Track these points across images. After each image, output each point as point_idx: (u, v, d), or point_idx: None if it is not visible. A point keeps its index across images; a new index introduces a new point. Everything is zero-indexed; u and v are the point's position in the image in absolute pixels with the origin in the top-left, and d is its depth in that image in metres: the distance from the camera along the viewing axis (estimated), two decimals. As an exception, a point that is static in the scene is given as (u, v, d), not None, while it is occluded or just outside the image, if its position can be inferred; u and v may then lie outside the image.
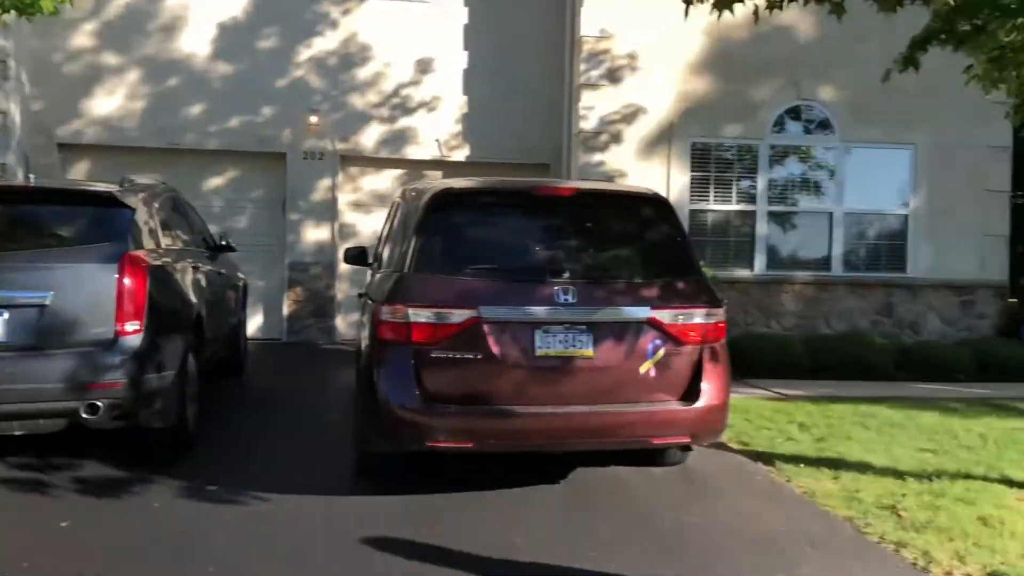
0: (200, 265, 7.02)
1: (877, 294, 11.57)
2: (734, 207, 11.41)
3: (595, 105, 11.09)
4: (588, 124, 11.10)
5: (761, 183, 11.38)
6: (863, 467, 6.09)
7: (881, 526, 4.92)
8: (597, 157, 11.10)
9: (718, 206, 11.39)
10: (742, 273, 11.38)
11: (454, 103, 11.99)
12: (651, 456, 5.89)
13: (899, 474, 5.91)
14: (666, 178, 11.17)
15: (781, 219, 11.54)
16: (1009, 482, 5.78)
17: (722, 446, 6.66)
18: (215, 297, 7.38)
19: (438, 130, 11.96)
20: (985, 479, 5.82)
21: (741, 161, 11.41)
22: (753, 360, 10.43)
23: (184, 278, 6.37)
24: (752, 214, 11.41)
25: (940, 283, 11.56)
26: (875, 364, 10.41)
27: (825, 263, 11.56)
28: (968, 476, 5.88)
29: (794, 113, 11.50)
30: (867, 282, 11.54)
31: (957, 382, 10.22)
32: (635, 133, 11.17)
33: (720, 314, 5.28)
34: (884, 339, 10.85)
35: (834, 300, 11.49)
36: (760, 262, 11.42)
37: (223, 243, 8.18)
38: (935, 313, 11.65)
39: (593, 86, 11.09)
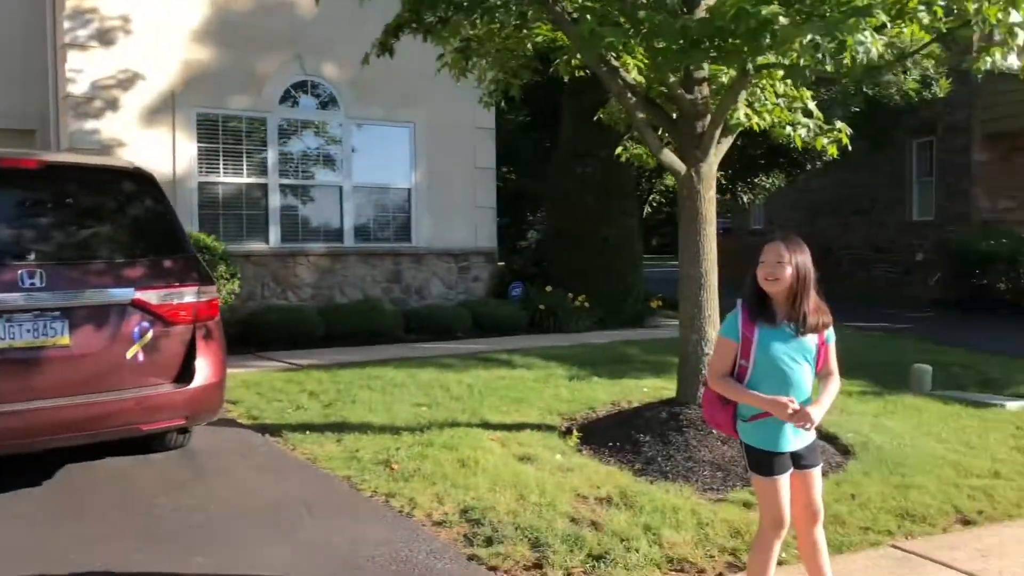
0: None
1: (387, 263, 12.30)
2: (246, 180, 11.28)
3: (84, 68, 10.15)
4: (77, 88, 10.13)
5: (272, 156, 11.40)
6: (365, 427, 6.46)
7: (375, 481, 5.27)
8: (91, 124, 10.20)
9: (229, 179, 11.17)
10: (258, 246, 11.33)
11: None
12: (149, 443, 5.63)
13: (396, 430, 6.37)
14: (172, 149, 10.66)
15: (294, 192, 11.69)
16: (487, 425, 6.55)
17: (231, 422, 6.61)
18: None
19: None
20: (468, 425, 6.52)
21: (251, 134, 11.30)
22: (270, 333, 10.50)
23: None
24: (264, 187, 11.39)
25: (441, 251, 12.64)
26: (385, 329, 11.10)
27: (338, 235, 11.97)
28: (455, 424, 6.54)
29: (301, 88, 11.67)
30: (377, 252, 12.21)
31: (457, 339, 11.30)
32: (134, 101, 10.46)
33: (212, 291, 5.21)
34: (394, 305, 11.60)
35: (347, 270, 11.98)
36: (275, 235, 11.46)
37: None
38: (438, 279, 12.72)
39: (81, 47, 10.14)
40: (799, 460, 3.45)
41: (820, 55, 4.31)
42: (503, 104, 7.73)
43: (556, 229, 13.04)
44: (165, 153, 10.58)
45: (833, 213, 23.94)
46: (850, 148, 7.41)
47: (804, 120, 7.03)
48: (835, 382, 3.54)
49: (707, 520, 4.73)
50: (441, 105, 12.32)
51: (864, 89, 17.25)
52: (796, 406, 3.29)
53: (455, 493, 5.03)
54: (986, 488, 5.41)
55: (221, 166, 11.09)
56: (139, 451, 5.63)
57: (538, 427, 6.53)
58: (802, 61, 4.68)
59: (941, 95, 17.19)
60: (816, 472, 3.51)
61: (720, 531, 4.61)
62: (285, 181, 11.53)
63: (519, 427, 6.51)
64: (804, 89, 7.05)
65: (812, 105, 7.04)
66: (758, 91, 6.68)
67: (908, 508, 5.02)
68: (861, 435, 6.59)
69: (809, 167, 15.36)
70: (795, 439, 3.41)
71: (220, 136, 11.07)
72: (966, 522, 4.94)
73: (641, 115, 6.10)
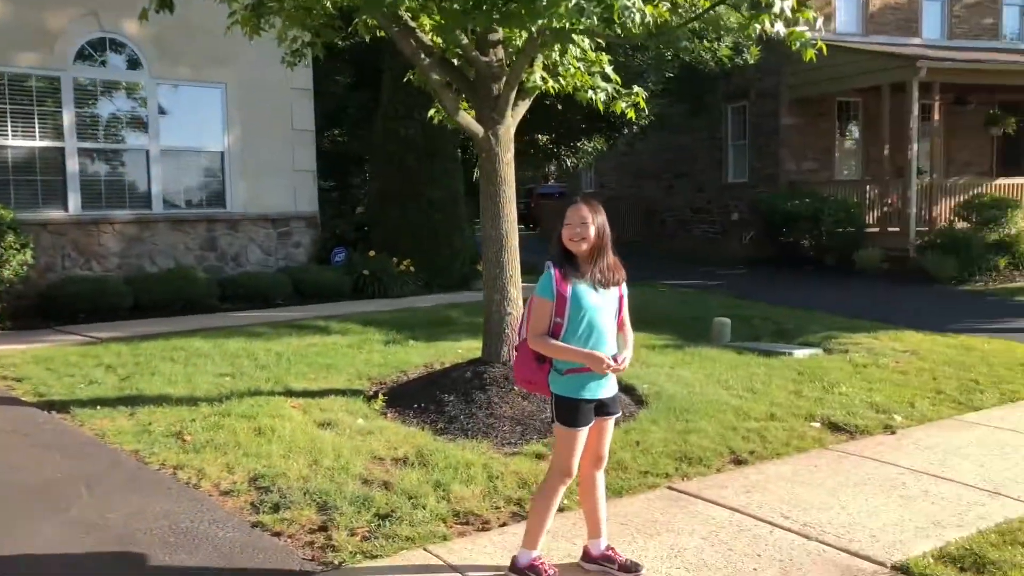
0: None
1: (200, 230, 11.84)
2: (39, 143, 10.55)
3: None
4: None
5: (68, 118, 10.70)
6: (162, 400, 6.24)
7: (165, 454, 5.11)
8: None
9: (20, 142, 10.41)
10: (55, 214, 10.65)
11: None
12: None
13: (195, 401, 6.19)
14: (-50, 109, 9.83)
15: (95, 156, 11.03)
16: (290, 392, 6.46)
17: (13, 401, 6.24)
18: None
19: None
20: (271, 393, 6.42)
21: (43, 94, 10.55)
22: (72, 305, 9.96)
23: None
24: (61, 151, 10.68)
25: (258, 216, 12.27)
26: (198, 298, 10.72)
27: (146, 201, 11.41)
28: (257, 393, 6.42)
29: (100, 46, 10.98)
30: (189, 218, 11.72)
31: (276, 307, 11.05)
32: (-97, 56, 9.57)
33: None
34: (208, 273, 11.20)
35: (157, 237, 11.45)
36: (75, 202, 10.80)
37: None
38: (256, 245, 12.36)
39: None
40: (603, 409, 3.68)
41: (587, 19, 4.42)
42: (319, 62, 7.46)
43: (380, 192, 12.91)
44: (-58, 113, 9.75)
45: (657, 176, 24.87)
46: (645, 111, 7.65)
47: (602, 84, 7.20)
48: (631, 333, 3.80)
49: (498, 473, 4.87)
50: (254, 65, 11.88)
51: (680, 56, 17.94)
52: (610, 360, 3.53)
53: (247, 462, 4.95)
54: (760, 430, 5.82)
55: (9, 128, 10.31)
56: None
57: (344, 393, 6.49)
58: (568, 25, 4.79)
59: (752, 62, 18.04)
60: (613, 421, 3.79)
61: (509, 483, 4.76)
62: (85, 144, 10.86)
63: (324, 393, 6.46)
64: (602, 54, 7.23)
65: (609, 69, 7.22)
66: (556, 55, 6.79)
67: (687, 452, 5.33)
68: (656, 385, 6.93)
69: (626, 131, 15.84)
70: (604, 389, 3.65)
71: (7, 95, 10.28)
72: (738, 462, 5.30)
73: (437, 77, 6.10)
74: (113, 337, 8.63)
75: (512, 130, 6.38)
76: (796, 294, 13.20)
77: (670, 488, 4.81)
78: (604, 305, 3.62)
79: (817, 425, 6.08)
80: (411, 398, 6.31)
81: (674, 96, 18.86)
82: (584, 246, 3.58)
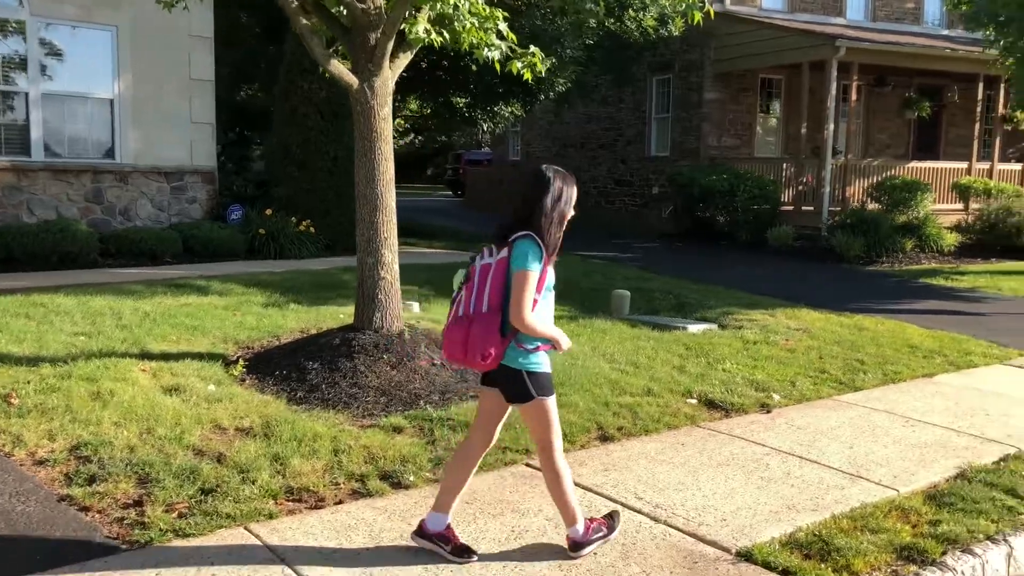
0: None
1: (85, 180, 11.21)
2: (-98, 80, 9.81)
3: None
4: None
5: (-64, 54, 9.97)
6: (3, 358, 5.77)
7: (-12, 418, 4.68)
8: None
9: None
10: (-81, 158, 9.94)
11: None
12: None
13: (38, 361, 5.74)
14: None
15: (-34, 97, 10.32)
16: (146, 355, 6.05)
17: None
18: None
19: None
20: (124, 355, 5.99)
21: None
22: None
23: None
24: (-73, 89, 9.96)
25: (150, 169, 11.67)
26: (77, 252, 10.15)
27: (24, 147, 10.74)
28: (110, 354, 5.98)
29: (-26, -24, 10.24)
30: (73, 168, 11.08)
31: (164, 265, 10.54)
32: None
33: None
34: (92, 227, 10.60)
35: (36, 186, 10.80)
36: (-59, 145, 10.11)
37: None
38: (147, 199, 11.77)
39: None
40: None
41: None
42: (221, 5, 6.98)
43: (282, 149, 12.38)
44: None
45: (582, 146, 24.67)
46: (543, 73, 7.33)
47: (496, 42, 6.85)
48: None
49: (345, 447, 4.58)
50: (149, 8, 11.16)
51: (605, 25, 17.67)
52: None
53: (72, 429, 4.57)
54: (634, 405, 5.64)
55: None
56: None
57: (204, 357, 6.11)
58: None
59: (676, 33, 17.87)
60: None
61: (356, 458, 4.48)
62: (-46, 83, 10.15)
63: (182, 356, 6.06)
64: (496, 10, 6.89)
65: (504, 27, 6.88)
66: (447, 6, 6.41)
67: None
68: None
69: (543, 98, 15.53)
70: None
71: None
72: (605, 439, 5.10)
73: (305, 21, 5.70)
74: (-34, 291, 8.06)
75: (390, 83, 6.02)
76: (706, 270, 13.14)
77: (528, 465, 4.59)
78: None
79: (693, 402, 5.93)
80: (274, 364, 5.97)
81: (599, 66, 18.61)
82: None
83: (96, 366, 5.64)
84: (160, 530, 3.59)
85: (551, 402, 3.57)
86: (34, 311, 7.22)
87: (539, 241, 3.42)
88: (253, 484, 4.05)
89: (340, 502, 4.03)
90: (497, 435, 3.75)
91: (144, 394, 5.17)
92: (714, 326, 8.63)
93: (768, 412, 5.87)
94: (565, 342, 3.52)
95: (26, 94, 10.66)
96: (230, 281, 9.09)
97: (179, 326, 6.95)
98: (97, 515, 3.74)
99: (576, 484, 4.30)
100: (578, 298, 9.62)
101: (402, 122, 17.12)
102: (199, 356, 6.11)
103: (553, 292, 3.59)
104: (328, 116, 12.20)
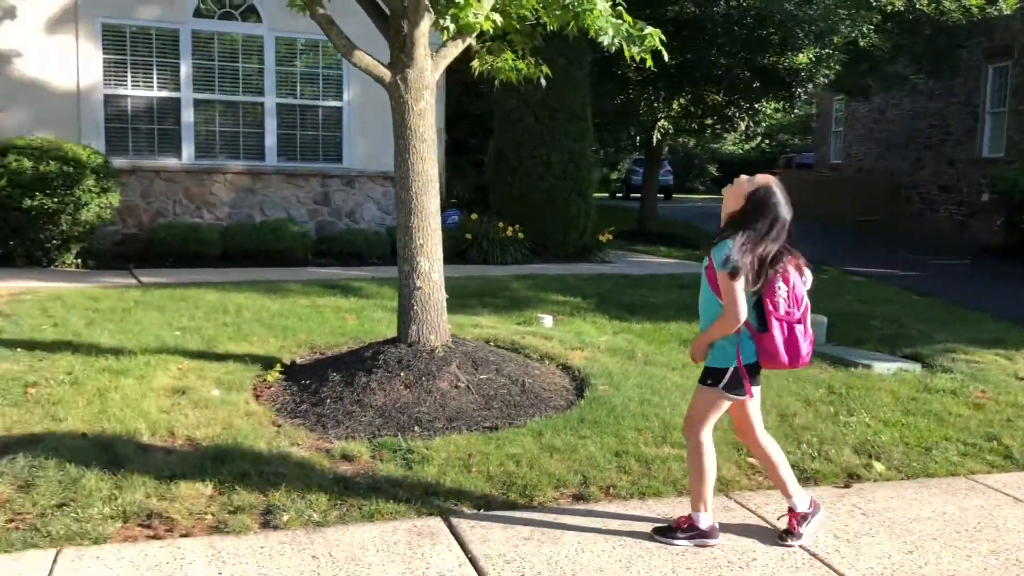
0: None
1: (314, 184, 11.89)
2: (157, 93, 11.04)
3: (-21, -25, 10.10)
4: (-27, -4, 10.11)
5: (185, 69, 11.10)
6: (90, 348, 6.11)
7: (-13, 404, 4.93)
8: (-14, 34, 10.18)
9: (139, 92, 10.95)
10: (169, 162, 11.14)
11: None
12: None
13: (109, 352, 5.98)
14: (75, 60, 10.52)
15: (210, 107, 11.37)
16: (206, 355, 6.09)
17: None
18: None
19: None
20: (183, 353, 6.08)
21: (163, 45, 11.01)
22: (165, 250, 10.38)
23: None
24: (177, 101, 11.12)
25: (376, 174, 12.09)
26: (288, 251, 10.75)
27: (259, 152, 11.63)
28: (174, 351, 6.11)
29: (219, -2, 11.27)
30: (303, 172, 11.80)
31: (367, 266, 10.85)
32: (34, 10, 10.34)
33: None
34: (300, 227, 11.18)
35: (269, 189, 11.64)
36: (188, 151, 11.23)
37: None
38: (372, 202, 12.22)
39: (-25, -47, 10.08)
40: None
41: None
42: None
43: (497, 153, 12.22)
44: (68, 64, 10.46)
45: (906, 147, 21.81)
46: (665, 55, 6.29)
47: (603, 24, 5.97)
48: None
49: (249, 473, 4.15)
50: (378, 18, 11.63)
51: (917, 7, 15.40)
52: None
53: (30, 421, 4.64)
54: (666, 458, 4.57)
55: (129, 79, 10.88)
56: None
57: (256, 360, 6.02)
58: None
59: (1007, 11, 15.07)
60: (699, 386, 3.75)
61: (249, 488, 4.03)
62: (200, 96, 11.23)
63: (238, 358, 6.02)
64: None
65: (603, 6, 5.97)
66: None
67: (521, 475, 4.27)
68: (614, 382, 5.81)
69: (800, 92, 13.74)
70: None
71: (128, 47, 10.84)
72: (578, 497, 4.16)
73: (322, 11, 5.35)
74: (157, 283, 8.81)
75: (428, 76, 5.48)
76: (990, 296, 10.81)
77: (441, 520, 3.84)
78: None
79: (755, 462, 4.67)
80: (307, 374, 5.71)
81: (910, 55, 16.19)
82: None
83: (144, 362, 5.78)
84: None
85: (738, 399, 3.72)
86: (171, 304, 7.67)
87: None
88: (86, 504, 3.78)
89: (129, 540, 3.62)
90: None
91: (142, 394, 5.16)
92: (914, 366, 6.95)
93: (846, 487, 4.47)
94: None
95: (262, 104, 11.54)
96: (387, 284, 9.04)
97: (272, 326, 6.97)
98: None
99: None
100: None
101: (667, 124, 16.17)
102: (254, 359, 6.04)
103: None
104: (543, 118, 11.81)
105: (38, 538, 3.49)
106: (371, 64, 5.42)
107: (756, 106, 14.44)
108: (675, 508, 4.03)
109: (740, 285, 3.48)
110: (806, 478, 4.52)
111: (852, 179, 22.21)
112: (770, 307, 3.59)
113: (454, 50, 5.61)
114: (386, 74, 5.40)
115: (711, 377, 3.65)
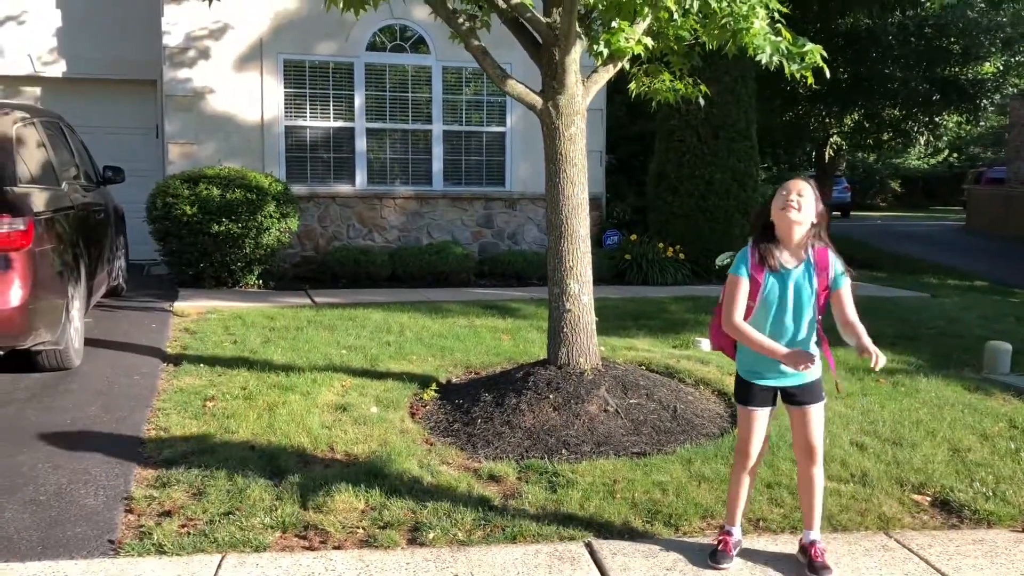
0: (86, 197, 7.37)
1: (477, 207, 12.21)
2: (333, 124, 11.68)
3: (179, 20, 11.02)
4: (174, 40, 11.04)
5: (359, 100, 11.68)
6: (264, 365, 6.52)
7: (173, 416, 5.34)
8: (184, 74, 11.09)
9: (316, 123, 11.62)
10: (344, 188, 11.74)
11: (46, 16, 11.63)
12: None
13: (281, 369, 6.37)
14: (260, 95, 11.30)
15: (381, 135, 11.90)
16: (368, 373, 6.37)
17: (154, 351, 6.99)
18: (98, 230, 7.58)
19: (30, 45, 11.60)
20: (347, 371, 6.38)
21: (338, 78, 11.64)
22: (338, 272, 10.94)
23: (70, 215, 6.59)
24: (351, 130, 11.72)
25: (537, 196, 12.26)
26: (451, 272, 11.07)
27: (426, 177, 12.06)
28: (344, 369, 6.43)
29: (389, 31, 11.79)
30: (467, 196, 12.14)
31: (526, 286, 11.02)
32: (224, 49, 11.20)
33: (18, 223, 5.51)
34: (463, 248, 11.48)
35: (435, 213, 12.04)
36: (361, 177, 11.79)
37: (108, 174, 8.49)
38: (534, 224, 12.40)
39: (176, 0, 11.00)
40: (792, 398, 3.59)
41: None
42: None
43: (658, 173, 12.10)
44: (253, 99, 11.25)
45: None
46: (827, 72, 6.07)
47: (761, 42, 5.84)
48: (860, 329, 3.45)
49: (406, 489, 4.30)
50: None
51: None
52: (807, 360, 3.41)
53: (213, 431, 5.00)
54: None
55: (308, 110, 11.57)
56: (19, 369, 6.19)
57: (415, 379, 6.24)
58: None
59: None
60: (811, 410, 3.59)
61: (394, 509, 4.18)
62: (372, 125, 11.78)
63: (398, 376, 6.26)
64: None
65: (760, 24, 5.82)
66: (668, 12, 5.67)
67: (644, 500, 4.21)
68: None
69: (986, 103, 12.77)
70: (780, 378, 3.56)
71: (307, 81, 11.53)
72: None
73: (476, 43, 5.50)
74: (329, 303, 9.28)
75: (579, 101, 5.53)
76: None
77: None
78: (802, 289, 3.48)
79: (920, 499, 4.42)
80: (461, 393, 5.86)
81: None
82: (797, 215, 3.40)
83: (311, 379, 6.11)
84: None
85: (740, 410, 3.68)
86: (340, 323, 8.06)
87: (751, 247, 3.49)
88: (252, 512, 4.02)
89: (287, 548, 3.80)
90: (811, 446, 3.65)
91: (307, 409, 5.45)
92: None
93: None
94: (800, 363, 3.37)
95: (429, 131, 11.97)
96: (544, 305, 9.10)
97: (431, 346, 7.20)
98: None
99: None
100: (943, 348, 7.79)
101: (840, 140, 15.53)
102: (412, 377, 6.26)
103: (771, 302, 3.48)
104: (706, 136, 11.63)
105: (206, 543, 3.75)
106: (523, 92, 5.53)
107: (936, 119, 13.62)
108: (828, 543, 3.85)
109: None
110: (978, 519, 4.22)
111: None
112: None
113: (604, 75, 5.64)
114: (537, 101, 5.50)
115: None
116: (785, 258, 3.45)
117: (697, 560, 3.72)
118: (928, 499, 4.44)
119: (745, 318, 3.49)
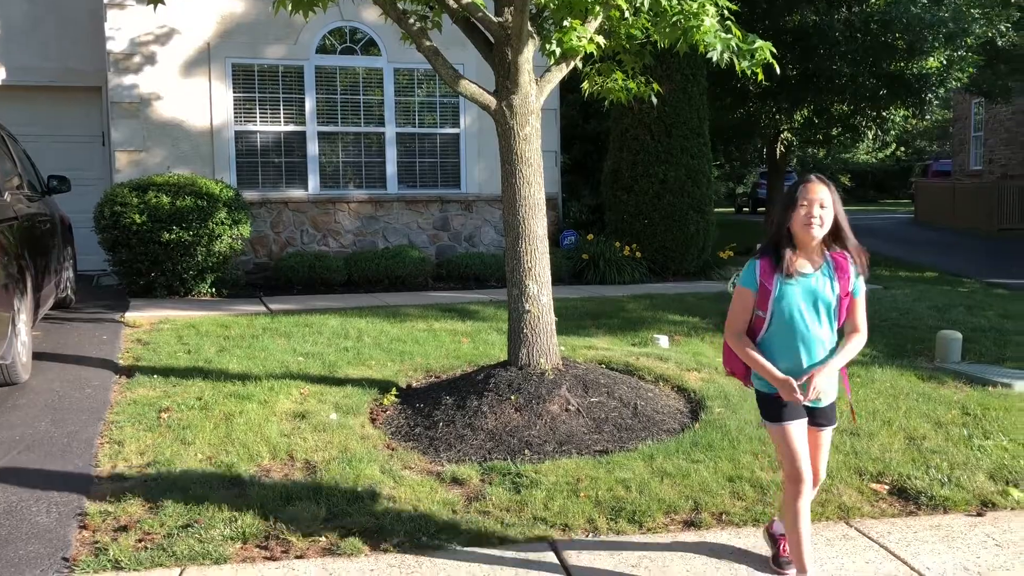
0: (30, 208, 7.15)
1: (433, 210, 12.15)
2: (284, 128, 11.55)
3: (123, 25, 10.81)
4: (118, 46, 10.83)
5: (309, 104, 11.56)
6: (219, 374, 6.40)
7: (127, 428, 5.22)
8: (130, 80, 10.88)
9: (266, 127, 11.48)
10: (296, 193, 11.61)
11: (-13, 23, 11.36)
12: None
13: (236, 378, 6.27)
14: (208, 100, 11.13)
15: (333, 139, 11.80)
16: (326, 379, 6.29)
17: (106, 363, 6.84)
18: (43, 241, 7.37)
19: (-31, 53, 11.32)
20: (304, 378, 6.29)
21: (288, 82, 11.51)
22: (292, 278, 10.80)
23: (14, 226, 6.38)
24: (302, 134, 11.59)
25: (493, 197, 12.25)
26: (408, 276, 11.00)
27: (380, 181, 11.97)
28: (298, 376, 6.34)
29: (339, 33, 11.68)
30: (422, 198, 12.08)
31: (485, 288, 10.99)
32: (171, 55, 11.01)
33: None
34: (420, 252, 11.42)
35: (391, 216, 11.96)
36: (314, 182, 11.68)
37: (53, 183, 8.27)
38: (490, 226, 12.37)
39: (119, 5, 10.79)
40: (812, 419, 3.35)
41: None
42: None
43: (613, 172, 12.14)
44: (202, 104, 11.08)
45: (1052, 149, 20.45)
46: (777, 68, 6.15)
47: (711, 39, 5.87)
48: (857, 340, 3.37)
49: (359, 495, 4.25)
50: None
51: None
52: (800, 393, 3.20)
53: (163, 446, 4.90)
54: (773, 484, 4.42)
55: (258, 115, 11.42)
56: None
57: (374, 384, 6.17)
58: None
59: None
60: (822, 433, 3.40)
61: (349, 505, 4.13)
62: (324, 128, 11.67)
63: (356, 382, 6.19)
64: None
65: (710, 21, 5.86)
66: (620, 12, 5.69)
67: (633, 501, 4.22)
68: (731, 404, 5.67)
69: (931, 98, 13.03)
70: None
71: (256, 85, 11.39)
72: (689, 524, 4.06)
73: (428, 43, 5.47)
74: (284, 309, 9.16)
75: (533, 101, 5.52)
76: None
77: (553, 545, 3.83)
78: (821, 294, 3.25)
79: (878, 487, 4.48)
80: (422, 397, 5.81)
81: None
82: (819, 231, 3.20)
83: (268, 387, 6.01)
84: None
85: (775, 429, 3.31)
86: (296, 330, 7.96)
87: (760, 257, 3.30)
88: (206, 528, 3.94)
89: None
90: (816, 470, 3.44)
91: (265, 418, 5.37)
92: (1066, 383, 6.49)
93: (980, 515, 4.20)
94: (794, 394, 3.16)
95: (382, 133, 11.89)
96: (503, 307, 9.10)
97: (390, 351, 7.13)
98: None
99: (563, 578, 3.49)
100: (897, 339, 7.92)
101: (790, 136, 15.75)
102: (371, 383, 6.19)
103: (786, 311, 3.25)
104: (660, 135, 11.70)
105: (164, 557, 3.66)
106: (476, 92, 5.50)
107: (884, 114, 13.86)
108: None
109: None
110: (934, 506, 4.28)
111: (994, 186, 21.01)
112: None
113: (558, 74, 5.64)
114: (491, 101, 5.48)
115: (833, 416, 3.44)
116: (800, 263, 3.24)
117: (661, 554, 3.73)
118: (886, 487, 4.50)
119: (758, 329, 3.30)
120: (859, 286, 3.30)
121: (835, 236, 3.25)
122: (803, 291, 3.23)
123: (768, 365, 3.23)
